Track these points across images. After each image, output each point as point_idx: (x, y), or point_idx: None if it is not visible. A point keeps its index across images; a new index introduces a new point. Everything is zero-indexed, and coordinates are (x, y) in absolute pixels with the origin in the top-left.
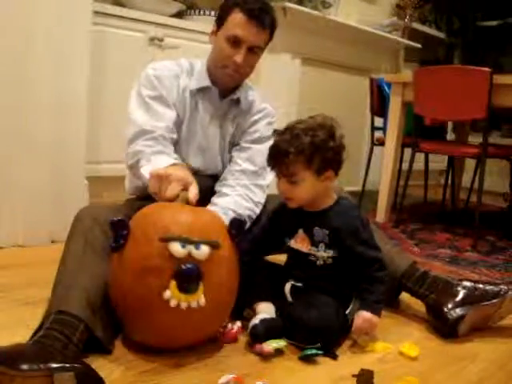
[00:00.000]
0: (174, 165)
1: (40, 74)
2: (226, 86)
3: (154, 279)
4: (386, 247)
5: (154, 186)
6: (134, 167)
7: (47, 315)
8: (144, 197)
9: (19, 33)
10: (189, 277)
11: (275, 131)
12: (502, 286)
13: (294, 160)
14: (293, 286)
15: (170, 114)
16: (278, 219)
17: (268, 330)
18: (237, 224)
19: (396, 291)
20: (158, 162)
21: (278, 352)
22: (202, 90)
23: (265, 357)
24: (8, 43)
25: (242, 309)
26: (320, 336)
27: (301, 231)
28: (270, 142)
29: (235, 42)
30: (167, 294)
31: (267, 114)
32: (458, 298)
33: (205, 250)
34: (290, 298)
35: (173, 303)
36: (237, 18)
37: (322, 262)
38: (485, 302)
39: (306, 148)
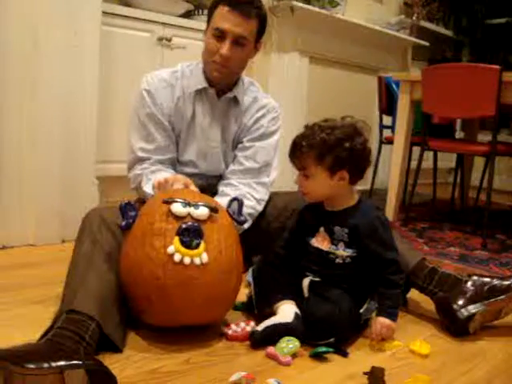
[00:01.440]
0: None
1: (49, 74)
2: (220, 85)
3: (159, 241)
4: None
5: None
6: (138, 188)
7: (59, 314)
8: None
9: (28, 32)
10: (190, 231)
11: (305, 126)
12: (511, 280)
13: (306, 154)
14: (311, 281)
15: (163, 134)
16: (303, 219)
17: (265, 340)
18: (235, 204)
19: (405, 288)
20: (158, 176)
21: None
22: (199, 93)
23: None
24: (18, 42)
25: (261, 308)
26: (333, 330)
27: (322, 230)
28: (275, 138)
29: (220, 35)
30: (171, 248)
31: (270, 109)
32: (468, 295)
33: (204, 210)
34: (306, 294)
35: (177, 257)
36: (220, 11)
37: (340, 261)
38: (494, 297)
39: (317, 144)
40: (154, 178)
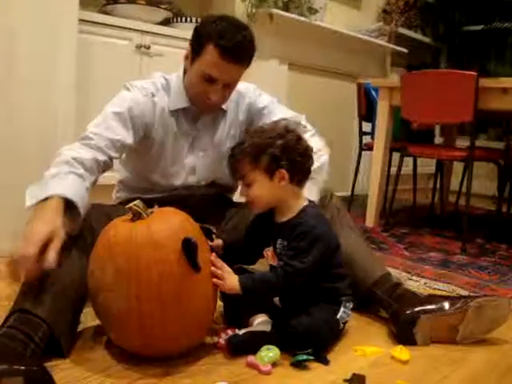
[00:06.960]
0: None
1: (26, 83)
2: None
3: None
4: (360, 252)
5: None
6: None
7: (11, 313)
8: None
9: (4, 40)
10: None
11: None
12: (465, 299)
13: (242, 162)
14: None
15: (123, 133)
16: (256, 231)
17: (242, 346)
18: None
19: (367, 299)
20: (51, 185)
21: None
22: (181, 109)
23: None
24: None
25: (232, 321)
26: (311, 342)
27: (272, 244)
28: (270, 98)
29: (210, 79)
30: None
31: (251, 91)
32: (416, 308)
33: None
34: (279, 304)
35: None
36: (211, 55)
37: None
38: (442, 312)
39: (249, 148)
40: (49, 183)
